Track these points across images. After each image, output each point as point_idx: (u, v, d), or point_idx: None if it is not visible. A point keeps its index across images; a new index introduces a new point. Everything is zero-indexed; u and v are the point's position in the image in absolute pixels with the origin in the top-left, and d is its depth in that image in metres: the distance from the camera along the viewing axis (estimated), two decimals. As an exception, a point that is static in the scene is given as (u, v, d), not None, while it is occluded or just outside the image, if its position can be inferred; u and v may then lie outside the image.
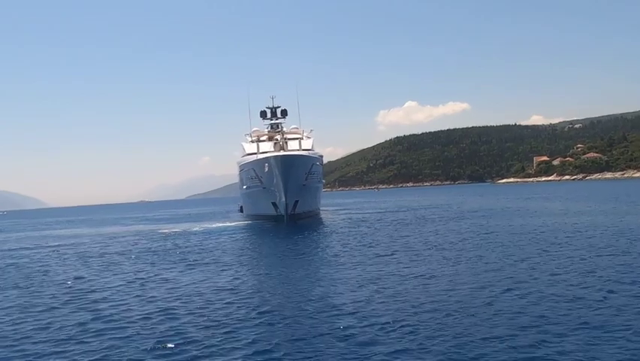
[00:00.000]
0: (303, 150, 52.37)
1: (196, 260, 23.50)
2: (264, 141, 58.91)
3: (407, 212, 54.73)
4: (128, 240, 37.73)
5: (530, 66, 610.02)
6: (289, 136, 54.41)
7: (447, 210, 52.92)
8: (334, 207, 78.02)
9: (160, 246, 31.51)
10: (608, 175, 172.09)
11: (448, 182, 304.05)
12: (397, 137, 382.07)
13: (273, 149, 51.49)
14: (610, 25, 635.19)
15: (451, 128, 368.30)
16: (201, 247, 29.37)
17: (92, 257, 27.55)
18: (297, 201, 47.84)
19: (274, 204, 47.80)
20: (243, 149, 61.33)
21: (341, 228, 38.13)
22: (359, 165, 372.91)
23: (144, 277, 19.68)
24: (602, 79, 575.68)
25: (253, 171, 48.57)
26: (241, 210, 75.52)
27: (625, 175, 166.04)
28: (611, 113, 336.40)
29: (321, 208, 61.24)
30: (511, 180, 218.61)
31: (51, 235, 50.26)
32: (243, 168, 53.21)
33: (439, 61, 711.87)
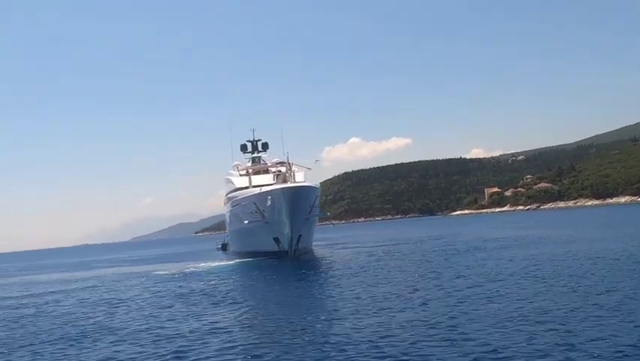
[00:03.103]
0: (302, 182, 50.78)
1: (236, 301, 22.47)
2: (257, 173, 57.18)
3: (415, 244, 52.98)
4: (139, 283, 35.07)
5: (468, 101, 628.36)
6: (281, 169, 52.36)
7: (461, 241, 50.57)
8: (316, 242, 76.16)
9: (183, 288, 29.46)
10: (561, 204, 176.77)
11: (399, 216, 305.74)
12: (345, 172, 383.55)
13: (273, 181, 49.63)
14: (543, 59, 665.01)
15: (398, 162, 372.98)
16: (225, 287, 28.01)
17: (139, 301, 25.15)
18: (300, 236, 46.23)
19: (276, 239, 45.95)
20: (232, 183, 59.31)
21: (356, 264, 36.18)
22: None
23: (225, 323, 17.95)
24: (539, 112, 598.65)
25: (254, 205, 46.55)
26: (223, 249, 72.86)
27: (577, 204, 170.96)
28: (549, 145, 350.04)
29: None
30: (466, 211, 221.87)
31: (39, 281, 46.53)
32: (240, 203, 51.07)
33: (381, 97, 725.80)
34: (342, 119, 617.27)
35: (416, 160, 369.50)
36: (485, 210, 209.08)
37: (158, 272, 42.72)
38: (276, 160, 64.89)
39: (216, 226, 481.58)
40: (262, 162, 67.25)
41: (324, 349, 12.98)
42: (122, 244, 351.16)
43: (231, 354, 13.29)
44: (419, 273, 26.61)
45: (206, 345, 14.44)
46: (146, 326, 18.07)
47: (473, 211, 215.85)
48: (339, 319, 16.47)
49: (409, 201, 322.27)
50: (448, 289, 20.58)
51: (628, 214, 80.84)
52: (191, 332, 16.45)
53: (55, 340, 17.18)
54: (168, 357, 13.57)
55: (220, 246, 76.01)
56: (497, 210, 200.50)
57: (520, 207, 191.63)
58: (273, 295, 23.56)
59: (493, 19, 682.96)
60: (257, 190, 47.03)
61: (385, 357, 11.89)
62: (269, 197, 44.40)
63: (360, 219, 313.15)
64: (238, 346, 14.06)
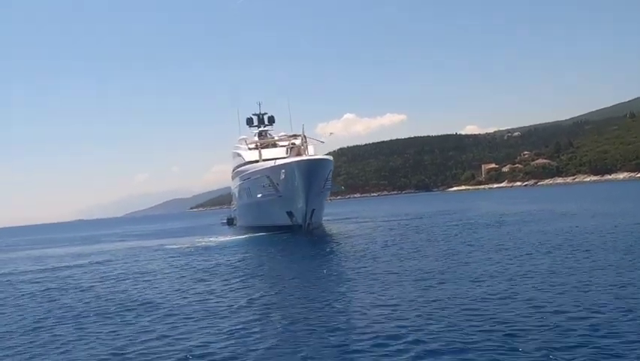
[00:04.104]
0: (316, 155, 49.67)
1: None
2: (266, 147, 56.11)
3: (430, 218, 52.12)
4: (159, 256, 34.15)
5: (462, 78, 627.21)
6: (295, 142, 50.93)
7: (476, 215, 49.85)
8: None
9: (208, 261, 28.75)
10: (560, 180, 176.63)
11: (395, 192, 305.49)
12: (341, 148, 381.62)
13: (286, 154, 48.49)
14: (536, 39, 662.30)
15: (393, 138, 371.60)
16: (251, 261, 27.65)
17: (173, 275, 24.37)
18: (313, 210, 45.41)
19: (290, 213, 45.09)
20: (241, 157, 58.23)
21: (381, 238, 35.24)
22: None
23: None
24: (533, 89, 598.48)
25: (267, 179, 45.56)
26: (229, 224, 71.98)
27: (576, 180, 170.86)
28: (544, 122, 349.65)
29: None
30: (462, 187, 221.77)
31: (51, 255, 45.46)
32: (251, 177, 50.04)
33: (376, 74, 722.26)
34: (336, 95, 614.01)
35: (411, 136, 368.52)
36: (482, 187, 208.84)
37: (172, 246, 41.81)
38: (282, 134, 63.79)
39: (211, 201, 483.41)
40: (269, 135, 66.14)
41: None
42: (119, 219, 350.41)
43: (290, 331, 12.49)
44: (456, 247, 25.80)
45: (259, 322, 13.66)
46: (187, 301, 17.25)
47: (470, 187, 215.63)
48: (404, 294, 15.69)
49: (405, 177, 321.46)
50: (502, 262, 19.84)
51: (632, 190, 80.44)
52: (238, 308, 15.65)
53: (94, 315, 16.34)
54: (224, 334, 12.77)
55: (226, 221, 75.17)
56: (495, 186, 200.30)
57: (518, 183, 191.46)
58: (304, 271, 22.66)
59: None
60: (270, 163, 46.07)
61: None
62: (283, 170, 43.46)
63: (356, 195, 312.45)
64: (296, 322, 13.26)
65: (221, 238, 47.23)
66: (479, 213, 53.81)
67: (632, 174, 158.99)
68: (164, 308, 16.37)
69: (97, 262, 33.36)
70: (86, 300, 19.11)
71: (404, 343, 10.82)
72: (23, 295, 21.79)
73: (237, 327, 13.25)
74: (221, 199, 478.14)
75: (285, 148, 51.30)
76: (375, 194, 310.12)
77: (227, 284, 20.10)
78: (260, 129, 67.17)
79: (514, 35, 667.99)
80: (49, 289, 22.77)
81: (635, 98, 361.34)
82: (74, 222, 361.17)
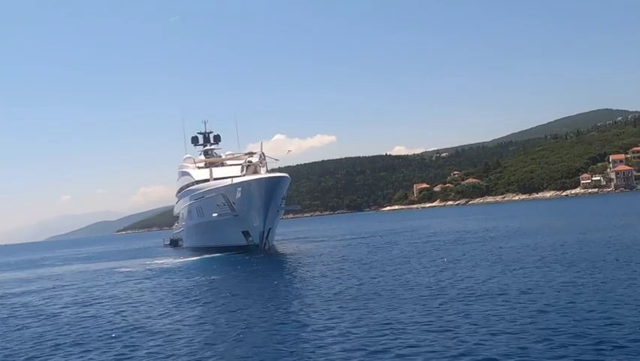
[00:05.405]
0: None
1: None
2: (217, 166, 54.40)
3: (381, 237, 51.29)
4: (119, 280, 31.83)
5: (390, 100, 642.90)
6: (251, 159, 49.03)
7: (437, 233, 49.43)
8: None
9: (177, 282, 27.35)
10: (490, 199, 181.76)
11: (327, 212, 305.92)
12: (272, 169, 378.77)
13: (242, 172, 46.81)
14: (459, 64, 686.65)
15: (325, 159, 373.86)
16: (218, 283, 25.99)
17: (135, 297, 22.47)
18: (269, 229, 44.12)
19: (246, 233, 43.53)
20: (190, 176, 56.17)
21: (347, 257, 34.47)
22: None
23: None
24: (458, 111, 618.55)
25: (222, 197, 43.84)
26: (173, 245, 69.22)
27: (505, 198, 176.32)
28: (468, 143, 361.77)
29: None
30: (396, 207, 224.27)
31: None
32: (204, 196, 48.13)
33: (306, 94, 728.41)
34: (266, 117, 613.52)
35: (342, 157, 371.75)
36: (415, 206, 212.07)
37: (126, 269, 39.44)
38: (229, 152, 62.21)
39: (139, 224, 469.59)
40: (215, 154, 64.40)
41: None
42: (42, 243, 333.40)
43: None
44: (436, 264, 25.17)
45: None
46: (172, 325, 15.77)
47: (404, 207, 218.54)
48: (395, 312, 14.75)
49: (337, 197, 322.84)
50: (513, 275, 19.30)
51: (564, 207, 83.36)
52: (243, 329, 14.32)
53: (69, 344, 14.65)
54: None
55: (169, 242, 72.33)
56: (427, 205, 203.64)
57: (450, 203, 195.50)
58: (277, 292, 21.39)
59: (422, 15, 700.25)
60: (226, 182, 44.47)
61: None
62: (239, 188, 42.00)
63: (289, 216, 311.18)
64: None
65: (173, 260, 45.18)
66: (435, 230, 53.80)
67: (558, 192, 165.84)
68: (147, 331, 14.86)
69: (52, 288, 30.80)
70: (55, 329, 17.22)
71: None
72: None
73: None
74: (148, 222, 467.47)
75: (239, 166, 49.64)
76: (308, 214, 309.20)
77: (215, 306, 18.68)
78: (205, 148, 65.38)
79: (438, 58, 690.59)
80: (13, 316, 20.55)
81: (554, 120, 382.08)
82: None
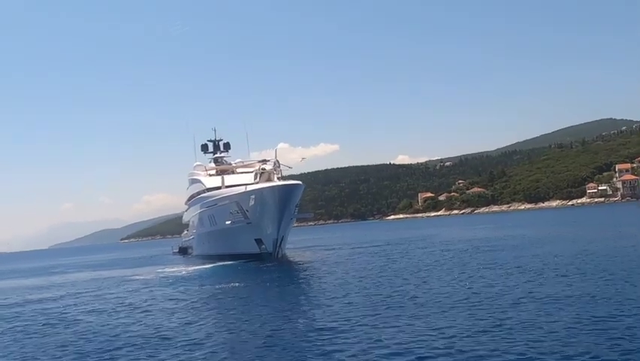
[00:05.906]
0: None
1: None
2: (229, 173, 54.32)
3: (395, 245, 51.02)
4: (136, 288, 31.68)
5: (393, 109, 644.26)
6: (265, 167, 48.78)
7: (446, 242, 49.11)
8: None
9: (199, 292, 27.01)
10: (495, 208, 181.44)
11: (331, 221, 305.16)
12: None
13: (256, 180, 46.64)
14: (462, 73, 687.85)
15: (329, 168, 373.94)
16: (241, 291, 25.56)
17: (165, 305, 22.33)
18: (282, 237, 44.01)
19: (259, 240, 43.35)
20: (201, 183, 56.09)
21: (370, 265, 34.19)
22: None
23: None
24: (461, 120, 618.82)
25: (236, 205, 43.72)
26: (182, 253, 68.95)
27: (511, 208, 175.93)
28: (472, 152, 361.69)
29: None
30: (400, 216, 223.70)
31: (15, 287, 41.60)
32: (217, 203, 48.01)
33: (310, 105, 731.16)
34: (269, 126, 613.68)
35: (346, 166, 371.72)
36: (420, 215, 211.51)
37: (140, 277, 39.21)
38: (238, 160, 62.10)
39: (143, 232, 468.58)
40: (225, 162, 64.28)
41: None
42: (47, 251, 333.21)
43: None
44: (478, 273, 24.90)
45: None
46: (197, 333, 15.61)
47: (408, 215, 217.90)
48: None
49: (341, 206, 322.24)
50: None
51: (572, 216, 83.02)
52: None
53: (95, 352, 14.63)
54: None
55: (177, 250, 72.09)
56: (432, 214, 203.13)
57: (455, 211, 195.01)
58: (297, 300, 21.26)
59: (426, 23, 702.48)
60: (240, 189, 44.33)
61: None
62: (252, 196, 41.89)
63: (294, 224, 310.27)
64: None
65: (190, 268, 44.93)
66: (448, 239, 53.48)
67: (564, 201, 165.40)
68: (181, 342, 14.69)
69: (70, 294, 30.77)
70: (87, 338, 16.98)
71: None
72: (14, 330, 19.41)
73: None
74: (152, 230, 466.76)
75: (251, 174, 49.49)
76: (312, 223, 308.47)
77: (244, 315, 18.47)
78: (215, 156, 65.28)
79: (441, 67, 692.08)
80: (44, 326, 20.36)
81: (558, 130, 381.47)
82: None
